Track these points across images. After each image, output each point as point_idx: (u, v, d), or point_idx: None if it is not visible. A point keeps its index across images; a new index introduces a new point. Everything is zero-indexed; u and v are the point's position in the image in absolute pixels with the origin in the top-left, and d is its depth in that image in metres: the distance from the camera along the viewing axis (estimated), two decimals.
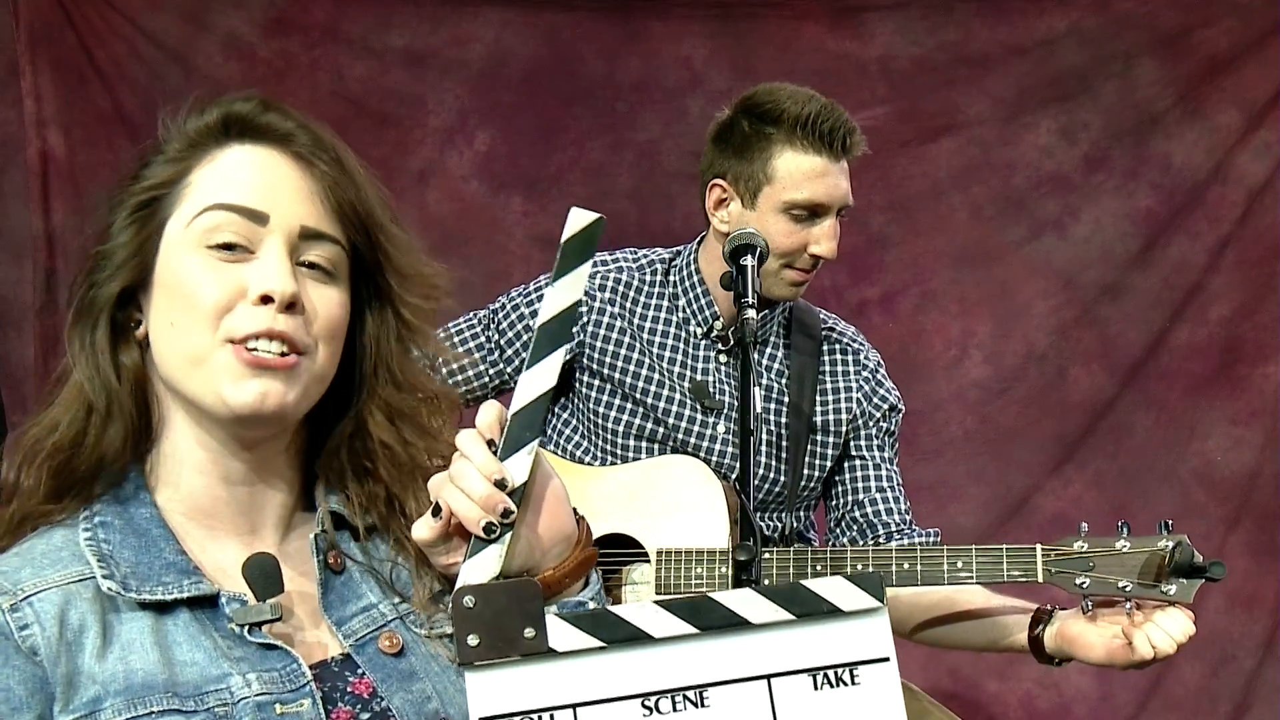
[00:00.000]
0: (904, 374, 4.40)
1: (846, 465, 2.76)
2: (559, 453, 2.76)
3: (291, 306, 1.49)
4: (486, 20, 4.56)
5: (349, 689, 1.51)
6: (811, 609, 1.38)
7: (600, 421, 2.70)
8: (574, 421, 2.76)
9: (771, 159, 2.60)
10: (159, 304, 1.51)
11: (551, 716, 1.36)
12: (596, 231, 1.50)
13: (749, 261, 2.49)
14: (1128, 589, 2.37)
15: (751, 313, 2.41)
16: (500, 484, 1.39)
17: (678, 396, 2.68)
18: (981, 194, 4.57)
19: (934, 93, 4.56)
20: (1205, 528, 4.36)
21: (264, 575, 1.51)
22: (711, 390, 2.69)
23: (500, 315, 2.75)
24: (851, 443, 2.75)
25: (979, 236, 4.55)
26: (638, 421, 2.69)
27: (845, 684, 1.38)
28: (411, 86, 4.55)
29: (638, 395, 2.68)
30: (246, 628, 1.49)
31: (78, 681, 1.43)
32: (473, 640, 1.36)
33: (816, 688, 1.37)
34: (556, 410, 2.79)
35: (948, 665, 4.34)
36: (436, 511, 1.42)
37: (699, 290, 2.72)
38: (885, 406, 2.79)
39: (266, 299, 1.48)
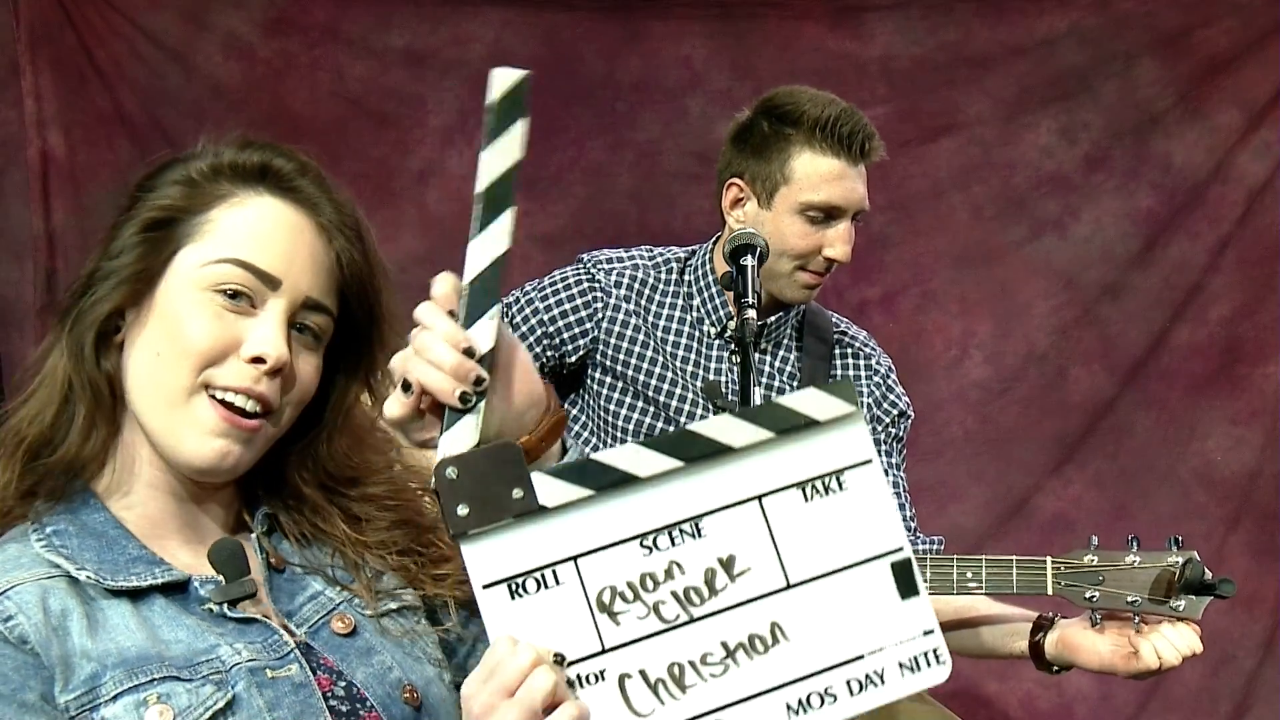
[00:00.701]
0: (904, 374, 4.38)
1: None
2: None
3: (278, 371, 1.52)
4: (486, 20, 4.56)
5: (321, 662, 1.53)
6: (790, 424, 1.41)
7: (610, 419, 2.70)
8: (583, 418, 2.76)
9: (790, 160, 2.61)
10: (150, 329, 1.53)
11: (554, 573, 1.37)
12: (524, 88, 1.50)
13: (749, 261, 2.49)
14: (1137, 604, 2.38)
15: (751, 313, 2.41)
16: (468, 352, 1.38)
17: (690, 395, 2.68)
18: (982, 194, 4.57)
19: (934, 92, 4.56)
20: (1205, 528, 4.36)
21: (232, 557, 1.54)
22: (724, 390, 2.69)
23: (514, 309, 2.74)
24: None
25: (979, 236, 4.56)
26: (649, 420, 2.69)
27: (834, 491, 1.42)
28: (411, 86, 4.55)
29: (650, 393, 2.68)
30: (225, 605, 1.51)
31: (72, 662, 1.44)
32: (462, 511, 1.36)
33: (807, 499, 1.41)
34: (566, 406, 2.79)
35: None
36: (407, 388, 1.40)
37: (713, 290, 2.72)
38: (895, 412, 2.80)
39: (258, 360, 1.51)
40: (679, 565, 1.39)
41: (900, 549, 1.42)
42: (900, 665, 1.41)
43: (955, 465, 4.53)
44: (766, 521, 1.41)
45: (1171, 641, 2.34)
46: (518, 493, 1.37)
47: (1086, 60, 4.52)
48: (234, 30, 4.52)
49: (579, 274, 2.74)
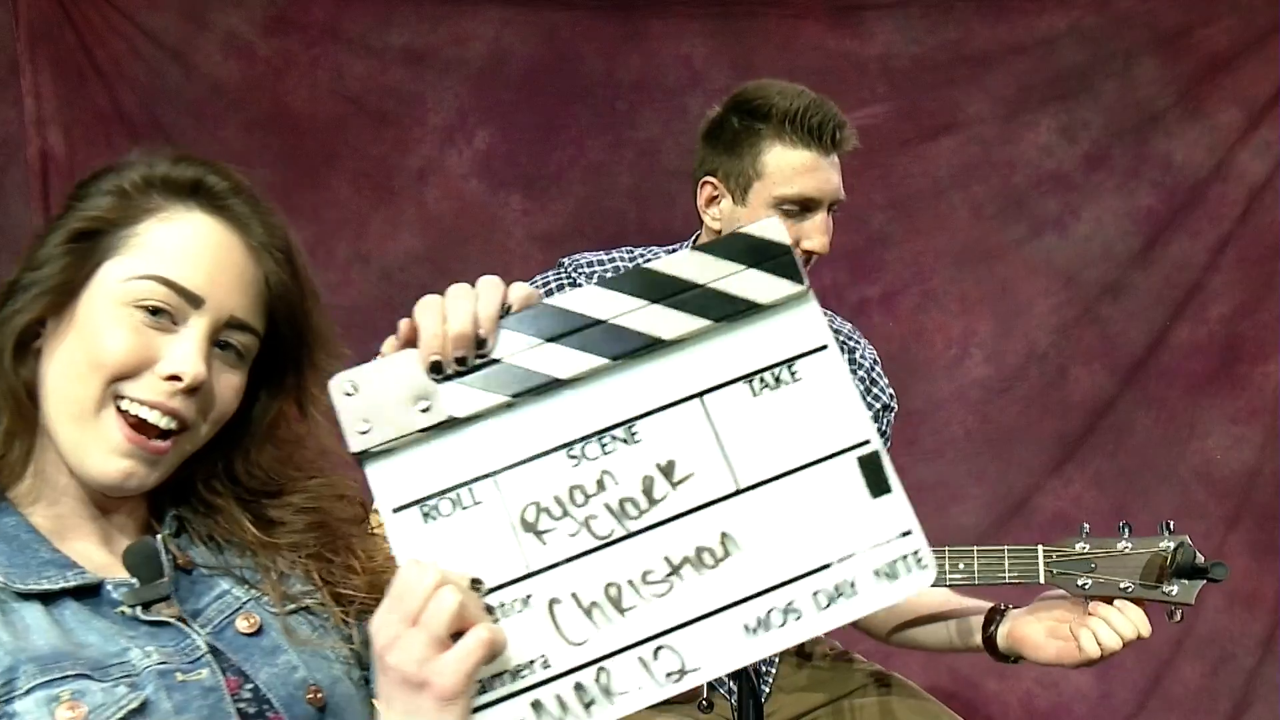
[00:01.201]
0: (905, 373, 4.42)
1: None
2: None
3: (195, 390, 1.50)
4: (486, 19, 4.57)
5: (229, 663, 1.51)
6: (728, 311, 1.27)
7: None
8: None
9: (761, 154, 2.60)
10: (68, 341, 1.51)
11: (470, 491, 1.24)
12: (789, 256, 1.31)
13: None
14: (1129, 590, 2.37)
15: None
16: (480, 341, 1.31)
17: None
18: (982, 193, 4.58)
19: (934, 91, 4.57)
20: (1205, 526, 4.36)
21: (147, 560, 1.52)
22: None
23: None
24: None
25: (979, 235, 4.56)
26: None
27: (786, 383, 1.28)
28: (411, 85, 4.56)
29: None
30: (138, 608, 1.49)
31: None
32: (361, 428, 1.25)
33: (755, 394, 1.28)
34: None
35: (946, 664, 4.34)
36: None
37: None
38: (878, 406, 2.79)
39: (174, 378, 1.49)
40: (611, 475, 1.25)
41: (867, 441, 1.29)
42: (875, 573, 1.28)
43: (955, 465, 4.53)
44: (710, 421, 1.26)
45: (1114, 625, 2.32)
46: (423, 404, 1.25)
47: (1087, 59, 4.52)
48: (234, 29, 4.53)
49: (560, 278, 2.73)
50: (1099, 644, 2.30)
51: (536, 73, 4.59)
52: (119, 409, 1.49)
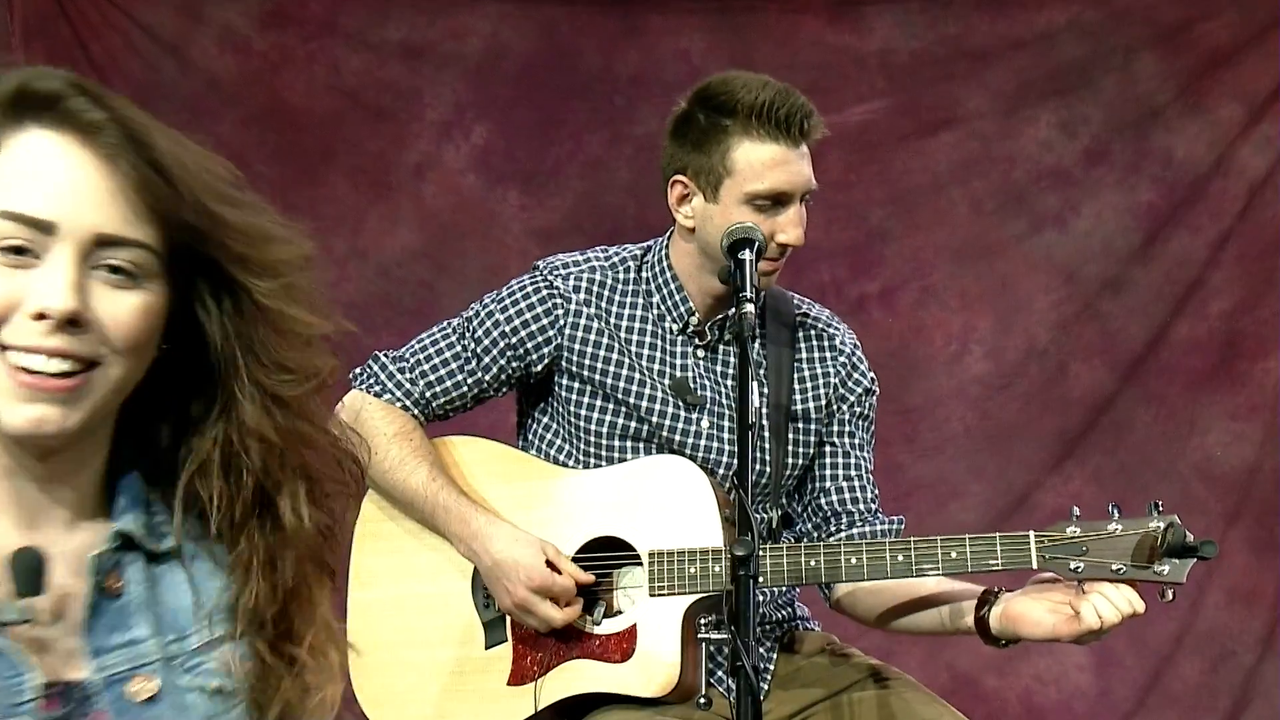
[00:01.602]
0: (904, 369, 4.44)
1: (817, 451, 2.77)
2: (544, 458, 2.75)
3: (74, 323, 1.34)
4: (484, 13, 4.58)
5: (88, 717, 1.40)
6: None
7: (583, 424, 2.70)
8: (554, 425, 2.76)
9: (730, 151, 2.59)
10: None
11: None
12: None
13: (747, 255, 2.49)
14: (1121, 571, 2.38)
15: (750, 307, 2.41)
16: None
17: (660, 394, 2.68)
18: (981, 188, 4.59)
19: (933, 86, 4.58)
20: (1205, 523, 4.37)
21: (25, 573, 1.37)
22: (692, 385, 2.69)
23: (475, 322, 2.73)
24: (825, 428, 2.76)
25: (979, 231, 4.57)
26: (621, 420, 2.69)
27: None
28: (408, 80, 4.57)
29: (619, 395, 2.68)
30: None
31: None
32: None
33: None
34: (535, 415, 2.79)
35: (945, 660, 4.35)
36: None
37: (672, 286, 2.71)
38: (860, 390, 2.78)
39: (41, 316, 1.34)
40: None
41: None
42: None
43: (955, 461, 4.55)
44: None
45: (1111, 600, 2.34)
46: None
47: (1086, 54, 4.53)
48: (230, 23, 4.53)
49: (536, 283, 2.72)
50: (1099, 615, 2.33)
51: (534, 68, 4.59)
52: (9, 361, 1.35)
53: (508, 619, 2.63)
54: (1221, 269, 4.47)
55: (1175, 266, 4.50)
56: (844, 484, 2.76)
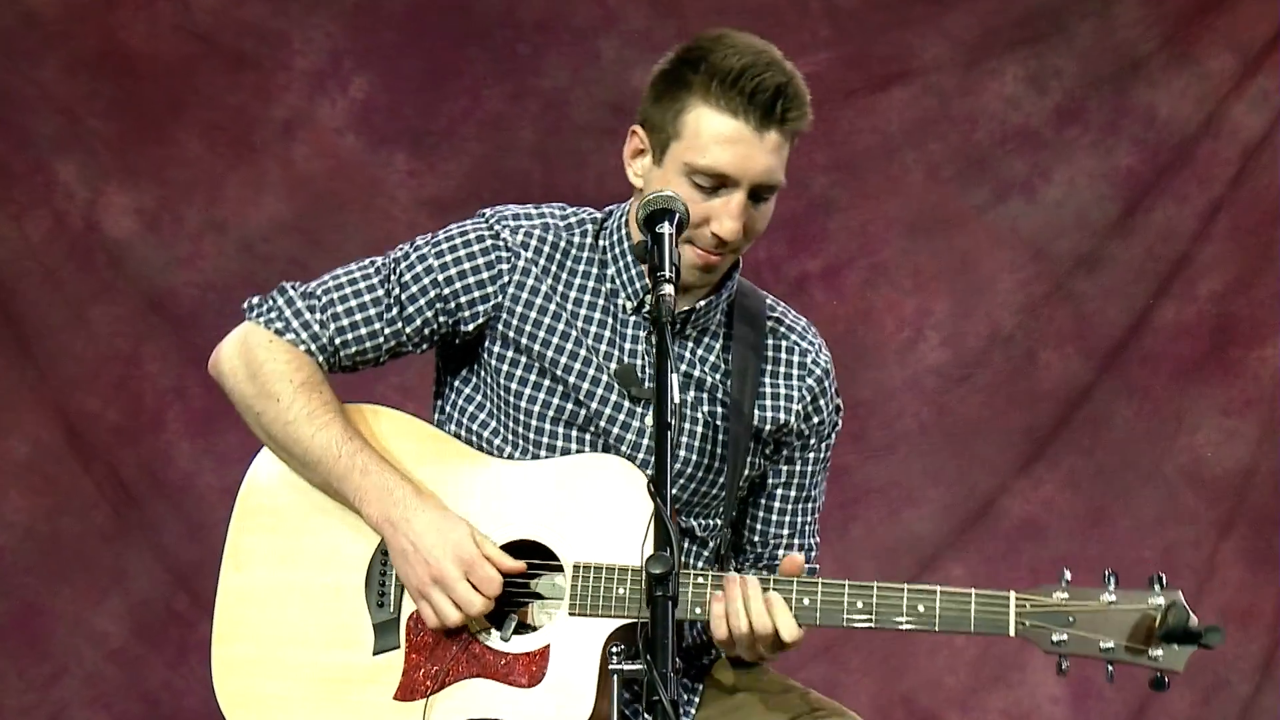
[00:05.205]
0: (851, 359, 4.42)
1: (767, 470, 2.78)
2: (467, 435, 2.73)
3: None
4: None
5: None
6: None
7: (514, 400, 2.66)
8: (480, 398, 2.71)
9: (683, 112, 2.57)
10: None
11: None
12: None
13: (666, 229, 2.47)
14: (1111, 651, 2.38)
15: (668, 288, 2.38)
16: None
17: (604, 379, 2.67)
18: (939, 152, 4.59)
19: (885, 34, 4.57)
20: (1194, 534, 4.42)
21: None
22: (640, 375, 2.68)
23: (403, 265, 2.68)
24: (776, 452, 2.77)
25: (936, 200, 4.58)
26: (556, 401, 2.66)
27: None
28: (273, 21, 4.47)
29: (558, 372, 2.65)
30: None
31: None
32: None
33: None
34: (457, 385, 2.75)
35: (900, 693, 4.37)
36: None
37: (629, 259, 2.69)
38: (829, 422, 2.79)
39: None
40: None
41: None
42: None
43: (909, 463, 4.55)
44: None
45: (750, 614, 2.44)
46: None
47: None
48: None
49: (480, 230, 2.69)
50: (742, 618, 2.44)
51: (424, 9, 4.54)
52: None
53: (402, 623, 2.59)
54: (1211, 244, 4.51)
55: (1159, 241, 4.53)
56: (783, 518, 2.79)
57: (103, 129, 4.21)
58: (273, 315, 2.67)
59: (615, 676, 2.36)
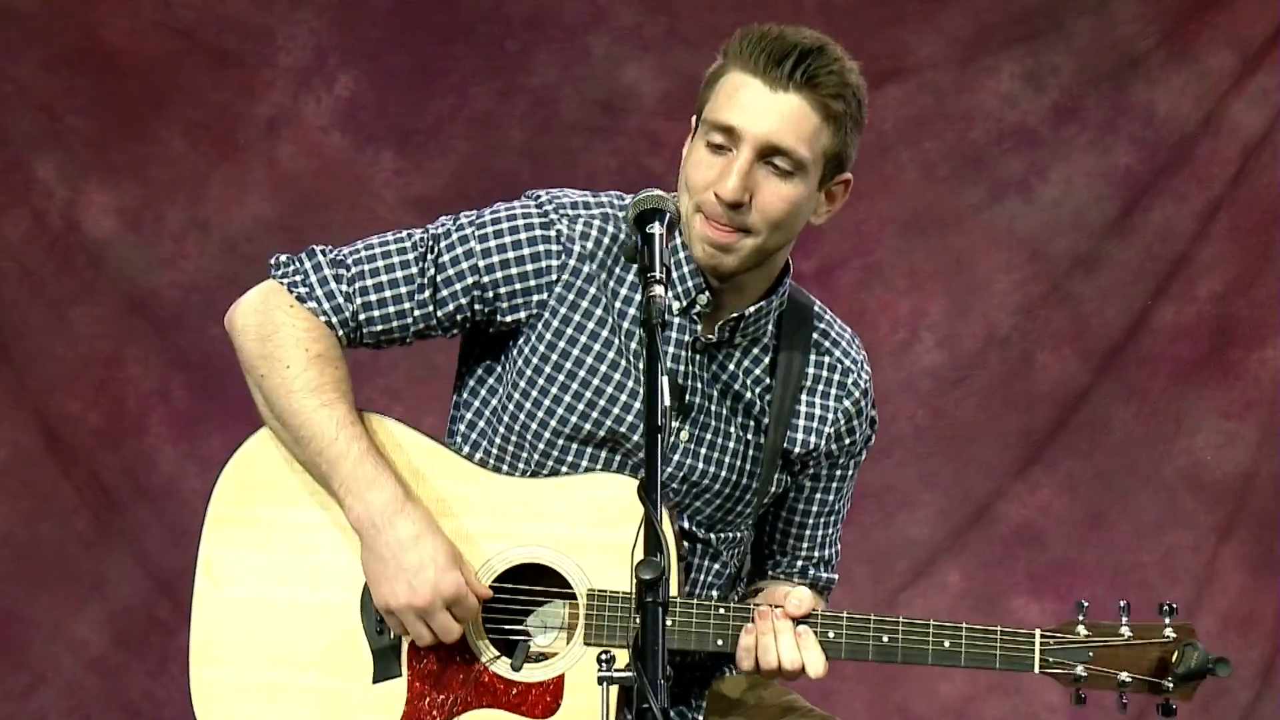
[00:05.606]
0: None
1: (792, 485, 2.76)
2: (477, 437, 2.66)
3: None
4: None
5: None
6: None
7: (532, 409, 2.59)
8: (502, 398, 2.64)
9: (715, 79, 2.59)
10: None
11: None
12: None
13: (656, 229, 2.43)
14: (1127, 685, 2.47)
15: (659, 289, 2.35)
16: None
17: (636, 406, 2.61)
18: (934, 150, 4.59)
19: (879, 31, 4.56)
20: (1194, 538, 4.41)
21: None
22: (680, 383, 2.64)
23: (443, 244, 2.57)
24: (808, 469, 2.75)
25: (931, 200, 4.58)
26: (578, 413, 2.59)
27: None
28: (257, 17, 4.46)
29: (597, 382, 2.59)
30: None
31: None
32: None
33: None
34: (480, 374, 2.66)
35: (896, 703, 4.37)
36: None
37: (682, 255, 2.64)
38: (859, 443, 2.78)
39: None
40: None
41: None
42: None
43: (904, 467, 4.54)
44: None
45: (780, 650, 2.47)
46: None
47: None
48: None
49: (531, 216, 2.57)
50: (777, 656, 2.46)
51: (410, 5, 4.54)
52: None
53: (404, 649, 2.54)
54: (1211, 244, 4.51)
55: (1157, 241, 4.54)
56: (803, 530, 2.79)
57: (83, 126, 4.20)
58: (298, 279, 2.56)
59: (605, 687, 2.34)
